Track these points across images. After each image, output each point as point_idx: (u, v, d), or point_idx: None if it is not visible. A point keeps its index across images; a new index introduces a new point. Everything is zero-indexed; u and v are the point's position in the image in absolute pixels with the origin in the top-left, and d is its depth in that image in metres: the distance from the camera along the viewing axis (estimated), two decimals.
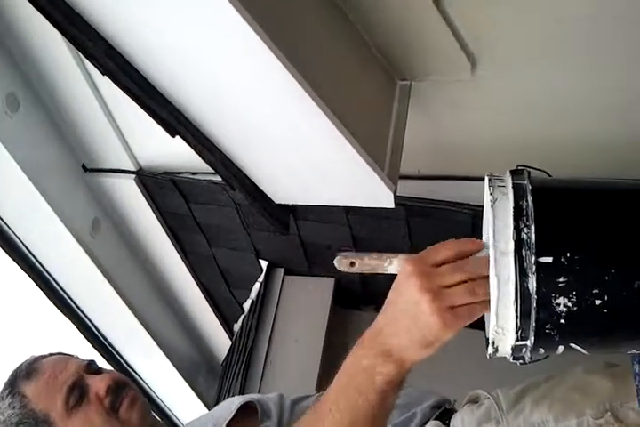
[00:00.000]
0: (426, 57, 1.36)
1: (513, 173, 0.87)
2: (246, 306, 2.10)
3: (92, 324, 1.97)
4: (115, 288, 1.88)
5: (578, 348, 0.83)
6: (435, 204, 1.64)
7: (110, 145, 1.75)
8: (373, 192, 1.29)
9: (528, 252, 0.78)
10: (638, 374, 0.97)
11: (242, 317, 2.12)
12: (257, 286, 2.04)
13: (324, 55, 1.19)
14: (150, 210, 1.89)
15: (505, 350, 0.83)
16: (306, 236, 1.85)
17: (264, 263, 2.01)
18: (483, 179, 1.72)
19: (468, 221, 1.65)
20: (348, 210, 1.73)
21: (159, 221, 1.93)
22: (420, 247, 1.79)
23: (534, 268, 0.78)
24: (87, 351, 1.92)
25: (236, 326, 2.15)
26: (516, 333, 0.80)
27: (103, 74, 1.10)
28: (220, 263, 2.07)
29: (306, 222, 1.82)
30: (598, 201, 0.82)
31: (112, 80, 1.11)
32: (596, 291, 0.77)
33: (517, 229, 0.79)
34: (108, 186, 1.85)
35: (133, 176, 1.81)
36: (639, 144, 1.24)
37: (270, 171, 1.30)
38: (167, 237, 1.98)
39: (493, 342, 0.82)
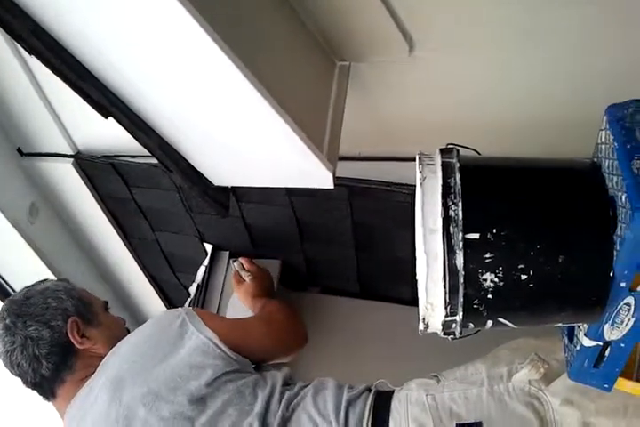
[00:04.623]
0: (364, 38, 1.36)
1: (442, 151, 0.88)
2: (192, 290, 2.09)
3: None
4: (56, 275, 1.85)
5: (506, 322, 0.85)
6: (375, 184, 1.64)
7: (46, 128, 1.71)
8: (312, 173, 1.28)
9: (455, 229, 0.79)
10: (567, 346, 1.00)
11: (188, 300, 2.11)
12: (202, 269, 2.02)
13: (260, 36, 1.18)
14: (90, 194, 1.85)
15: (435, 325, 0.85)
16: (249, 218, 1.84)
17: (208, 247, 1.99)
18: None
19: (409, 201, 1.66)
20: (290, 192, 1.72)
21: (99, 205, 1.90)
22: (362, 227, 1.80)
23: (461, 244, 0.79)
24: None
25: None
26: (445, 308, 0.82)
27: (30, 54, 1.07)
28: (163, 248, 2.04)
29: (249, 205, 1.81)
30: (523, 179, 0.84)
31: (40, 60, 1.08)
32: (522, 266, 0.79)
33: (445, 207, 0.80)
34: (46, 170, 1.80)
35: (71, 160, 1.77)
36: (563, 126, 1.26)
37: (207, 153, 1.29)
38: (109, 222, 1.95)
39: (424, 319, 0.84)
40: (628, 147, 0.76)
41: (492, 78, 1.33)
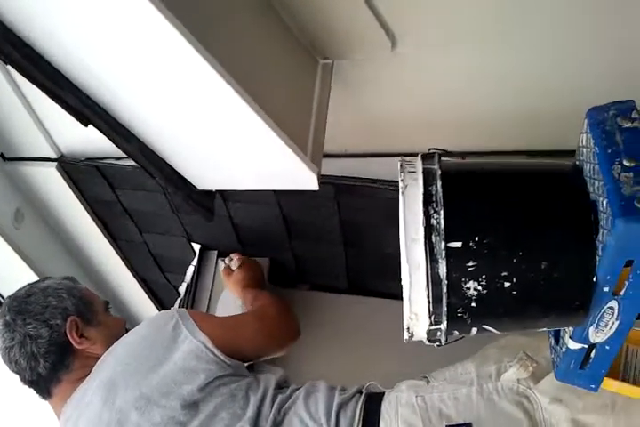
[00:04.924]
0: (346, 35, 1.35)
1: (424, 157, 0.87)
2: (182, 289, 2.08)
3: None
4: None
5: (491, 329, 0.85)
6: (361, 181, 1.64)
7: (29, 132, 1.69)
8: (297, 176, 1.27)
9: (438, 237, 0.79)
10: (553, 347, 1.00)
11: (178, 300, 2.10)
12: (191, 269, 2.02)
13: (238, 36, 1.16)
14: (75, 198, 1.84)
15: (420, 334, 0.85)
16: (237, 218, 1.84)
17: (196, 247, 1.99)
18: (408, 154, 1.74)
19: (396, 198, 1.66)
20: (277, 191, 1.72)
21: (85, 208, 1.89)
22: (349, 224, 1.80)
23: (444, 253, 0.79)
24: None
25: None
26: (429, 317, 0.82)
27: (5, 63, 1.06)
28: (151, 249, 2.04)
29: (236, 204, 1.80)
30: (504, 185, 0.84)
31: (15, 68, 1.07)
32: (505, 273, 0.79)
33: (427, 215, 0.80)
34: (29, 175, 1.79)
35: (55, 164, 1.75)
36: (548, 118, 1.26)
37: (190, 157, 1.28)
38: (95, 225, 1.94)
39: (409, 328, 0.84)
40: (609, 151, 0.76)
41: (477, 73, 1.33)
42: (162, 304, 2.26)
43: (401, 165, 0.86)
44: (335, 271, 1.97)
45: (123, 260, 2.07)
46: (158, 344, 1.30)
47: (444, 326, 0.82)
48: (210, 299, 1.99)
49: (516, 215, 0.80)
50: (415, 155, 1.59)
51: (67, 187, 1.80)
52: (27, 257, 1.83)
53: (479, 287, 0.79)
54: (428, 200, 0.81)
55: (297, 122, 1.29)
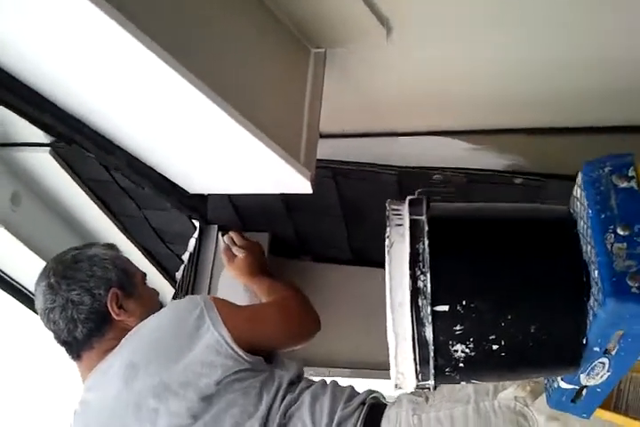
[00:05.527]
0: (338, 24, 1.28)
1: (411, 203, 0.84)
2: (185, 257, 2.10)
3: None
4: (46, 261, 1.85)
5: (480, 382, 0.84)
6: (358, 166, 1.61)
7: (20, 118, 1.65)
8: (290, 181, 1.25)
9: (424, 301, 0.78)
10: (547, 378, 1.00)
11: (182, 266, 2.12)
12: (192, 241, 2.02)
13: (223, 36, 1.09)
14: (72, 180, 1.82)
15: (409, 389, 0.85)
16: (236, 199, 1.81)
17: (196, 221, 1.98)
18: (406, 134, 1.70)
19: (395, 181, 1.63)
20: None
21: (83, 189, 1.87)
22: (349, 201, 1.78)
23: (430, 318, 0.77)
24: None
25: (178, 275, 2.15)
26: (417, 377, 0.81)
27: None
28: (152, 224, 2.03)
29: None
30: (494, 245, 0.81)
31: None
32: (493, 337, 0.78)
33: (413, 278, 0.78)
34: (24, 160, 1.76)
35: (48, 149, 1.72)
36: (541, 98, 1.27)
37: (180, 164, 1.25)
38: (94, 204, 1.93)
39: (397, 384, 0.83)
40: (602, 217, 0.72)
41: (474, 55, 1.28)
42: (167, 272, 2.27)
43: (387, 217, 0.83)
44: (337, 245, 1.96)
45: (125, 234, 2.07)
46: (182, 333, 1.31)
47: (431, 382, 0.82)
48: (212, 272, 2.00)
49: (505, 278, 0.78)
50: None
51: (62, 170, 1.78)
52: (25, 239, 1.83)
53: (467, 350, 0.78)
54: (414, 260, 0.78)
55: (289, 124, 1.25)
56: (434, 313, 0.77)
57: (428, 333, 0.78)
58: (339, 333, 1.90)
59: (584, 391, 0.90)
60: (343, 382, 2.00)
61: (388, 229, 0.82)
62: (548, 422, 1.13)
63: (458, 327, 0.77)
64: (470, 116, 1.48)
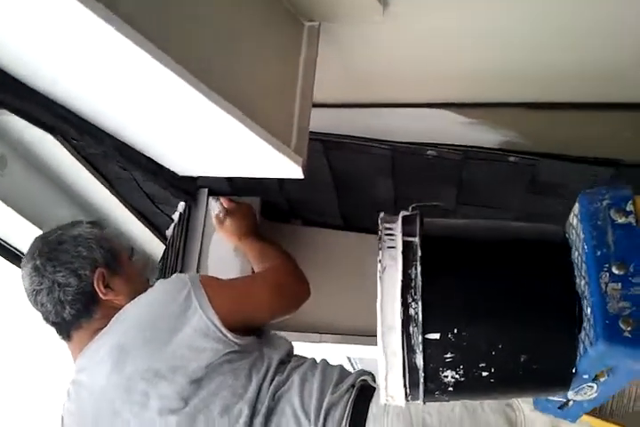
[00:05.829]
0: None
1: (405, 221, 0.82)
2: (175, 216, 2.08)
3: None
4: (36, 224, 1.84)
5: (469, 402, 0.85)
6: (350, 139, 1.57)
7: None
8: (281, 166, 1.22)
9: (415, 329, 0.77)
10: None
11: (172, 224, 2.11)
12: (182, 203, 2.00)
13: (209, 15, 1.04)
14: (57, 142, 1.78)
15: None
16: None
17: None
18: (399, 105, 1.66)
19: (388, 155, 1.60)
20: None
21: (69, 151, 1.83)
22: (340, 173, 1.76)
23: (421, 345, 0.77)
24: None
25: (168, 233, 2.15)
26: (406, 398, 0.81)
27: None
28: (141, 184, 1.99)
29: None
30: (487, 271, 0.80)
31: None
32: (483, 365, 0.78)
33: (405, 305, 0.77)
34: (7, 123, 1.71)
35: None
36: (541, 73, 1.26)
37: (170, 148, 1.21)
38: (82, 165, 1.89)
39: (386, 405, 0.84)
40: (598, 254, 0.71)
41: (472, 26, 1.24)
42: (158, 231, 2.26)
43: (379, 237, 0.81)
44: (328, 211, 1.95)
45: (114, 194, 2.05)
46: (169, 315, 1.31)
47: (421, 402, 0.82)
48: (203, 235, 1.99)
49: (497, 308, 0.77)
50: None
51: (50, 136, 1.73)
52: (14, 203, 1.80)
53: (457, 376, 0.78)
54: (406, 286, 0.77)
55: (280, 106, 1.22)
56: (425, 341, 0.77)
57: (419, 360, 0.77)
58: (328, 297, 1.91)
59: (571, 403, 0.91)
60: (334, 348, 2.03)
61: (380, 253, 0.81)
62: (533, 410, 1.15)
63: (449, 355, 0.77)
64: (467, 90, 1.45)
